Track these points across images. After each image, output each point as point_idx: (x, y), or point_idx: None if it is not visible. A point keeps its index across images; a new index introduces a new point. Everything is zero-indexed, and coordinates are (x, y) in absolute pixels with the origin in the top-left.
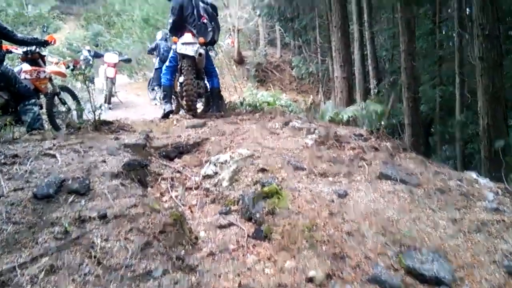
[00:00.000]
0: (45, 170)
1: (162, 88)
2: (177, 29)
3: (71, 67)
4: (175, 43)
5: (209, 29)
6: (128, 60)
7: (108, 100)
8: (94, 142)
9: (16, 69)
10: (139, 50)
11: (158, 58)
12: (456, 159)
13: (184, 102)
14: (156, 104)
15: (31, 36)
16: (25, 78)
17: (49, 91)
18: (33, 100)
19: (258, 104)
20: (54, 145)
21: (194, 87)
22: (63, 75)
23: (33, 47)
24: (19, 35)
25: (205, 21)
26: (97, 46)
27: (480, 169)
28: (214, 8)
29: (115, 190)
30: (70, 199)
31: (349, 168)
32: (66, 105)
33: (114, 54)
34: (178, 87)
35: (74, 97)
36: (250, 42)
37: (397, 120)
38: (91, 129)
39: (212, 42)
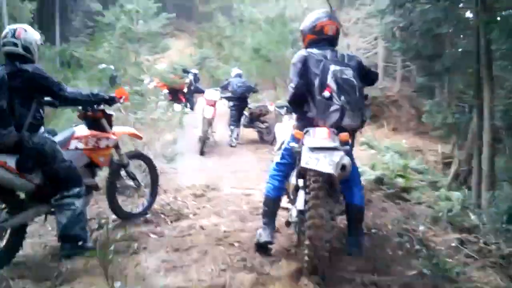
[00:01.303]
0: None
1: (263, 201)
2: (301, 103)
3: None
4: (297, 139)
5: (332, 108)
6: (231, 98)
7: (201, 148)
8: None
9: (66, 134)
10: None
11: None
12: None
13: (305, 255)
14: (232, 145)
15: (89, 91)
16: (76, 148)
17: (114, 161)
18: (77, 190)
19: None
20: None
21: (325, 223)
22: (138, 136)
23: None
24: (69, 89)
25: (327, 94)
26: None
27: None
28: (360, 66)
29: None
30: None
31: None
32: (135, 181)
33: (215, 91)
34: (295, 215)
35: (151, 167)
36: None
37: None
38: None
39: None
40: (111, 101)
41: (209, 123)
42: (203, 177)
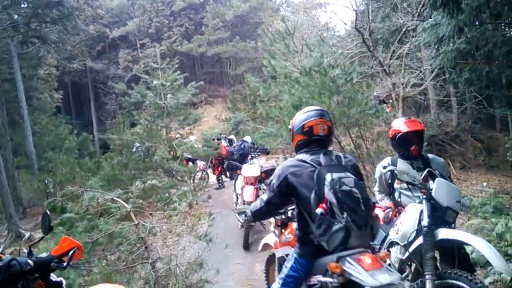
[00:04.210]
0: None
1: None
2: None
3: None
4: (331, 273)
5: (335, 228)
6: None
7: (245, 240)
8: None
9: None
10: (287, 143)
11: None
12: None
13: None
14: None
15: None
16: None
17: None
18: None
19: None
20: None
21: None
22: None
23: None
24: None
25: (322, 211)
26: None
27: None
28: (358, 170)
29: None
30: None
31: None
32: None
33: (255, 165)
34: None
35: None
36: (413, 107)
37: None
38: None
39: None
40: (42, 269)
41: None
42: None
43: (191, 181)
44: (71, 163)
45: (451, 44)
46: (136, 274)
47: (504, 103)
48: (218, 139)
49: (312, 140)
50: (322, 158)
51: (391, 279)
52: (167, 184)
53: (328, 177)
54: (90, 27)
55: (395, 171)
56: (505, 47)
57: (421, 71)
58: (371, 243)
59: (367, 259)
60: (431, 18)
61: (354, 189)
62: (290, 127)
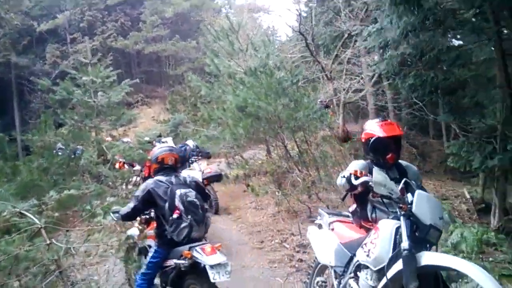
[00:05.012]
0: None
1: None
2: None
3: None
4: (184, 257)
5: (182, 225)
6: (218, 177)
7: None
8: None
9: None
10: (231, 147)
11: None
12: None
13: None
14: None
15: None
16: None
17: None
18: None
19: None
20: None
21: None
22: None
23: None
24: None
25: (176, 215)
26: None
27: None
28: (199, 186)
29: None
30: None
31: None
32: None
33: (195, 172)
34: None
35: None
36: (351, 113)
37: None
38: None
39: None
40: None
41: None
42: None
43: (124, 187)
44: None
45: (395, 49)
46: None
47: (446, 109)
48: (149, 142)
49: (164, 167)
50: (173, 179)
51: (220, 260)
52: (94, 191)
53: (178, 192)
54: (12, 15)
55: (370, 183)
56: (453, 52)
57: (361, 77)
58: (337, 265)
59: (208, 248)
60: (376, 22)
61: (195, 199)
62: (149, 157)
